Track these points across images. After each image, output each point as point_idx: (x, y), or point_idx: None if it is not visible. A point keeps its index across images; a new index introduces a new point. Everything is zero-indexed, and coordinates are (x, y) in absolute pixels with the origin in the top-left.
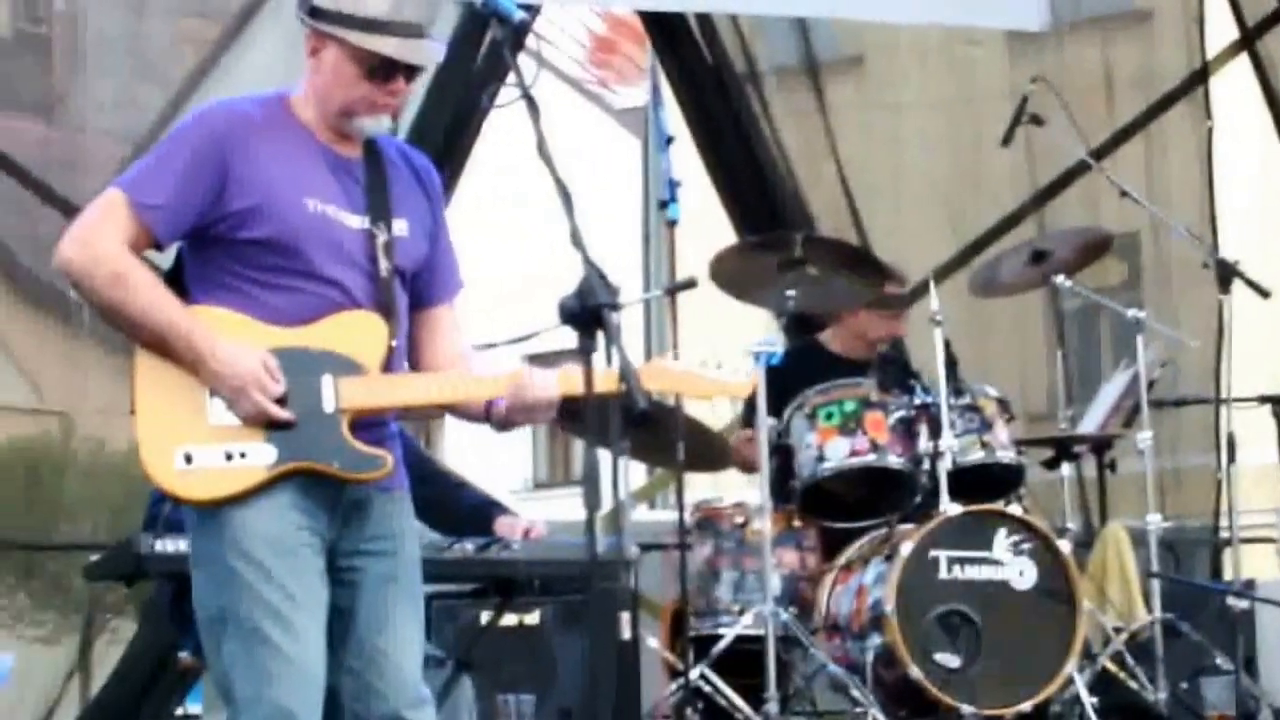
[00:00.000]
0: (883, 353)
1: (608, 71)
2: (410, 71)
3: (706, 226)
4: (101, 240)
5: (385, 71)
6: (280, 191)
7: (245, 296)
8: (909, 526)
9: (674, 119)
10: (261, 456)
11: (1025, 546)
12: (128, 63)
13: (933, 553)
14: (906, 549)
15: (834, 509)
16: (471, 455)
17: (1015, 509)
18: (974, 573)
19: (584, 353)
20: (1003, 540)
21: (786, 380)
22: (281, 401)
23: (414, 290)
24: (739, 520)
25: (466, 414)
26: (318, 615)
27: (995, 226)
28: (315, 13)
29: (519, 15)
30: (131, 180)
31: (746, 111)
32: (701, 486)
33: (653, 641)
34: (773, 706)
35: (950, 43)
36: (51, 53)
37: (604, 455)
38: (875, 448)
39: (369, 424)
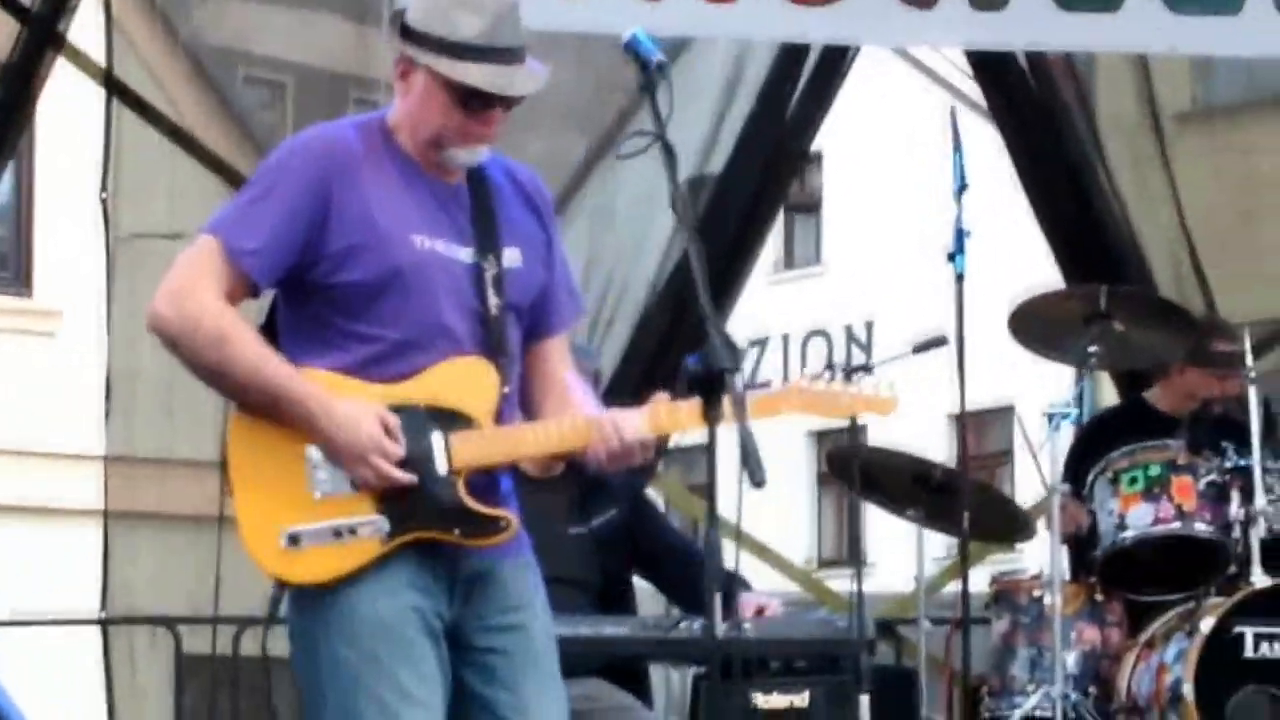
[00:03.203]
0: (1194, 412)
1: None
2: (507, 101)
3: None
4: (198, 295)
5: (480, 101)
6: (384, 228)
7: (343, 351)
8: (1217, 600)
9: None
10: (374, 529)
11: None
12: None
13: (1238, 628)
14: (1207, 624)
15: (1141, 581)
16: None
17: None
18: None
19: (709, 419)
20: None
21: (1105, 439)
22: (403, 464)
23: (528, 322)
24: (1037, 594)
25: (569, 460)
26: (430, 708)
27: None
28: (406, 33)
29: (656, 58)
30: (225, 222)
31: (1079, 153)
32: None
33: None
34: None
35: None
36: None
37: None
38: (1181, 514)
39: (483, 484)
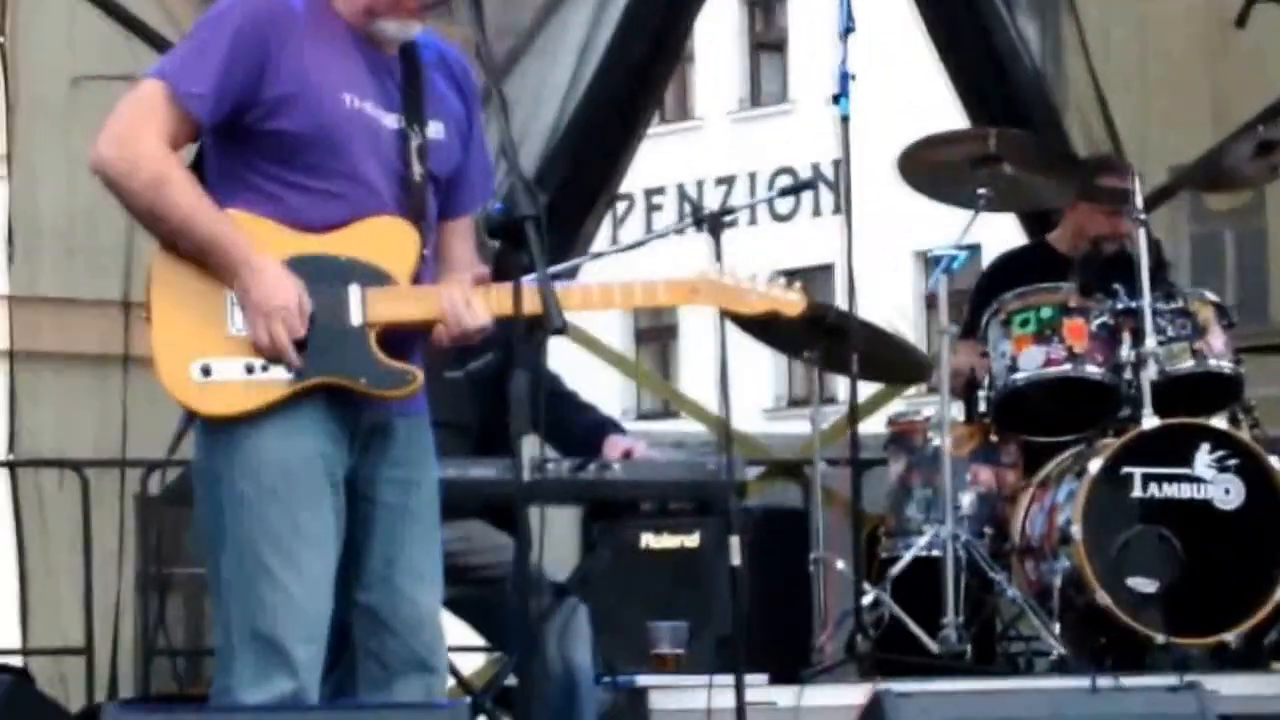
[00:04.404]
0: (1086, 253)
1: None
2: None
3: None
4: (141, 139)
5: None
6: (317, 83)
7: (270, 198)
8: (1108, 441)
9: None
10: (284, 370)
11: (1231, 463)
12: None
13: (1126, 469)
14: (1095, 465)
15: (1035, 423)
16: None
17: (1220, 422)
18: (1172, 491)
19: (512, 266)
20: (1205, 456)
21: (1006, 282)
22: (301, 345)
23: (442, 198)
24: (931, 435)
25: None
26: (324, 550)
27: (1259, 115)
28: None
29: None
30: (172, 68)
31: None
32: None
33: (840, 563)
34: (951, 634)
35: None
36: None
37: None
38: (1072, 356)
39: (395, 340)
